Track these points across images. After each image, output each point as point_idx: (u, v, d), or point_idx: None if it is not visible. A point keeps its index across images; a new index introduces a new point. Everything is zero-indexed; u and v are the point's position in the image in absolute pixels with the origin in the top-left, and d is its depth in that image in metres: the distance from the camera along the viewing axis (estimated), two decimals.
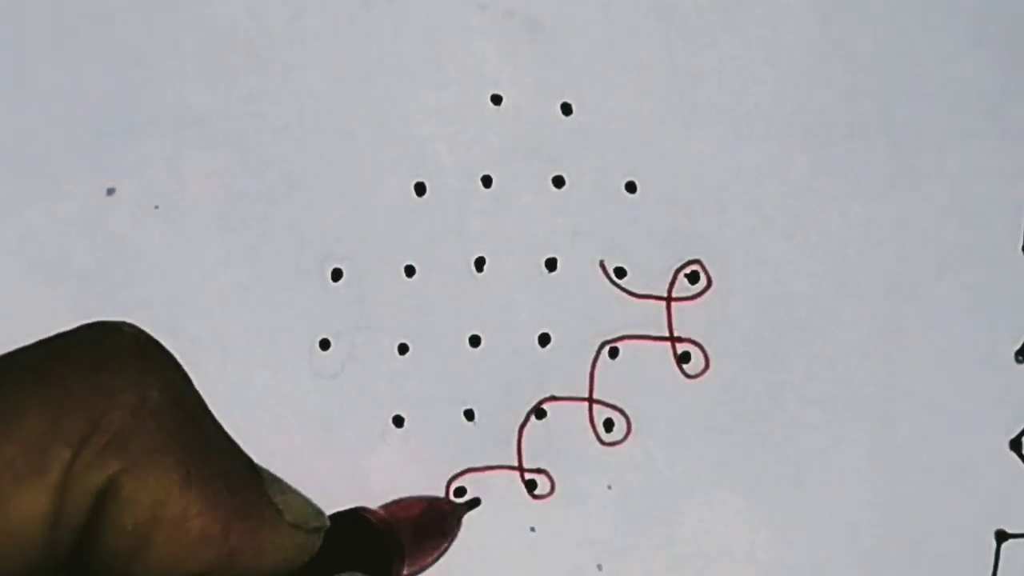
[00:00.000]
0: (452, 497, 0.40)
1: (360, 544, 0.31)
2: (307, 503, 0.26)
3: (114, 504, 0.22)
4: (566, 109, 0.42)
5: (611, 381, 0.41)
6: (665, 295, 0.41)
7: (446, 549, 0.39)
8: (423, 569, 0.39)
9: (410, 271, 0.41)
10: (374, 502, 0.40)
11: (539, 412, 0.41)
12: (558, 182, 0.42)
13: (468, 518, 0.40)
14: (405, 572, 0.36)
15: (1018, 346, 0.41)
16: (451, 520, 0.40)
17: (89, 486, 0.22)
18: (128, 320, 0.25)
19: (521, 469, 0.40)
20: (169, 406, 0.23)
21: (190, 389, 0.24)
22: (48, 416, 0.22)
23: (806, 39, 0.42)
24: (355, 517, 0.33)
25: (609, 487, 0.40)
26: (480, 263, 0.41)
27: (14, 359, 0.23)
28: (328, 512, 0.27)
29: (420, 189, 0.41)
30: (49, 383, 0.22)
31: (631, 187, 0.42)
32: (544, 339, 0.41)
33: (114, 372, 0.23)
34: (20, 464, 0.22)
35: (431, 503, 0.39)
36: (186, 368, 0.26)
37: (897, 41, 0.42)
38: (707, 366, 0.41)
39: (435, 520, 0.38)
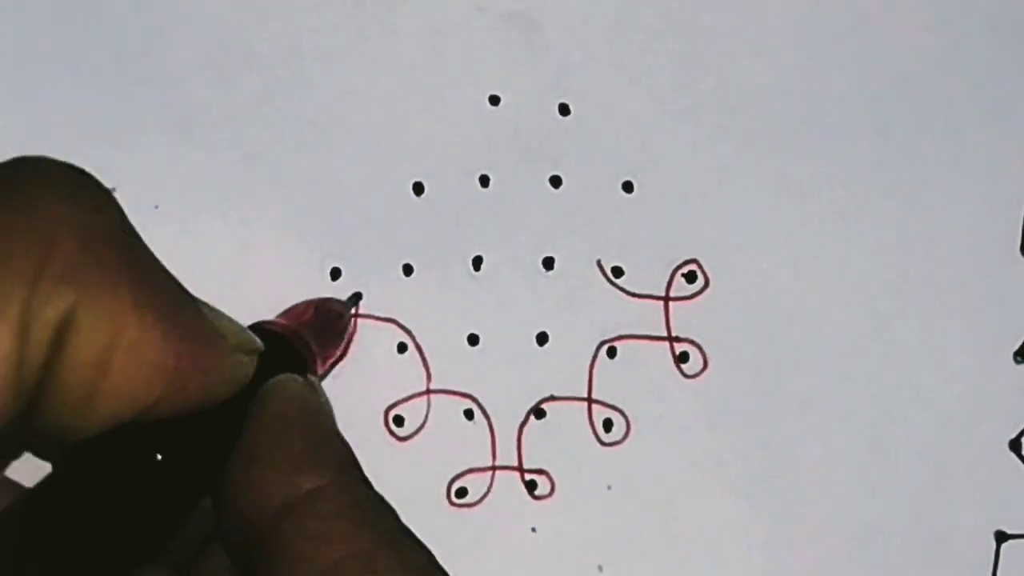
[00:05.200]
0: (453, 497, 0.40)
1: (277, 354, 0.31)
2: (242, 328, 0.26)
3: (73, 336, 0.22)
4: (563, 110, 0.42)
5: (610, 381, 0.41)
6: (663, 295, 0.41)
7: (347, 348, 0.40)
8: (330, 369, 0.39)
9: (408, 270, 0.41)
10: None
11: (538, 412, 0.41)
12: (555, 182, 0.42)
13: (469, 519, 0.40)
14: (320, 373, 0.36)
15: (1017, 346, 0.41)
16: (345, 317, 0.40)
17: (48, 319, 0.22)
18: None
19: (521, 469, 0.40)
20: (112, 231, 0.23)
21: (124, 215, 0.23)
22: None
23: (805, 40, 0.42)
24: (262, 331, 0.33)
25: (609, 487, 0.40)
26: (478, 262, 0.41)
27: None
28: None
29: (418, 188, 0.42)
30: None
31: (628, 187, 0.42)
32: (542, 338, 0.41)
33: (53, 202, 0.22)
34: None
35: (318, 305, 0.39)
36: None
37: (896, 42, 0.42)
38: (705, 366, 0.41)
39: (329, 320, 0.38)
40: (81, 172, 0.23)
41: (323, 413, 0.27)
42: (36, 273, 0.22)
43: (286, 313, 0.38)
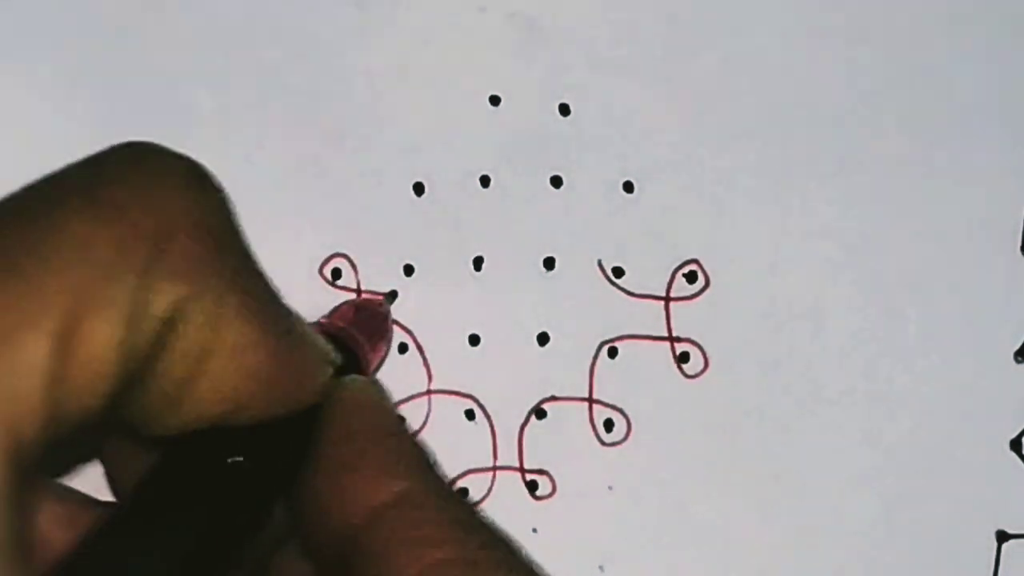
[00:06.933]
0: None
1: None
2: (323, 339, 0.26)
3: (177, 331, 0.22)
4: (564, 110, 0.42)
5: (611, 381, 0.41)
6: (663, 295, 0.41)
7: (388, 350, 0.40)
8: (375, 372, 0.39)
9: (408, 270, 0.41)
10: None
11: (539, 412, 0.41)
12: (556, 182, 0.42)
13: None
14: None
15: (1018, 346, 0.41)
16: (387, 317, 0.40)
17: (156, 312, 0.21)
18: None
19: (522, 470, 0.40)
20: (226, 231, 0.23)
21: (236, 216, 0.23)
22: (113, 243, 0.21)
23: (804, 40, 0.42)
24: (324, 335, 0.33)
25: (610, 487, 0.40)
26: (478, 262, 0.41)
27: (64, 184, 0.22)
28: None
29: (419, 189, 0.41)
30: (108, 208, 0.21)
31: (629, 187, 0.42)
32: (543, 339, 0.41)
33: (172, 194, 0.22)
34: (89, 293, 0.21)
35: (358, 306, 0.39)
36: None
37: (896, 42, 0.42)
38: (706, 366, 0.41)
39: (371, 320, 0.38)
40: (198, 167, 0.23)
41: (397, 415, 0.27)
42: (150, 263, 0.21)
43: (332, 315, 0.38)
